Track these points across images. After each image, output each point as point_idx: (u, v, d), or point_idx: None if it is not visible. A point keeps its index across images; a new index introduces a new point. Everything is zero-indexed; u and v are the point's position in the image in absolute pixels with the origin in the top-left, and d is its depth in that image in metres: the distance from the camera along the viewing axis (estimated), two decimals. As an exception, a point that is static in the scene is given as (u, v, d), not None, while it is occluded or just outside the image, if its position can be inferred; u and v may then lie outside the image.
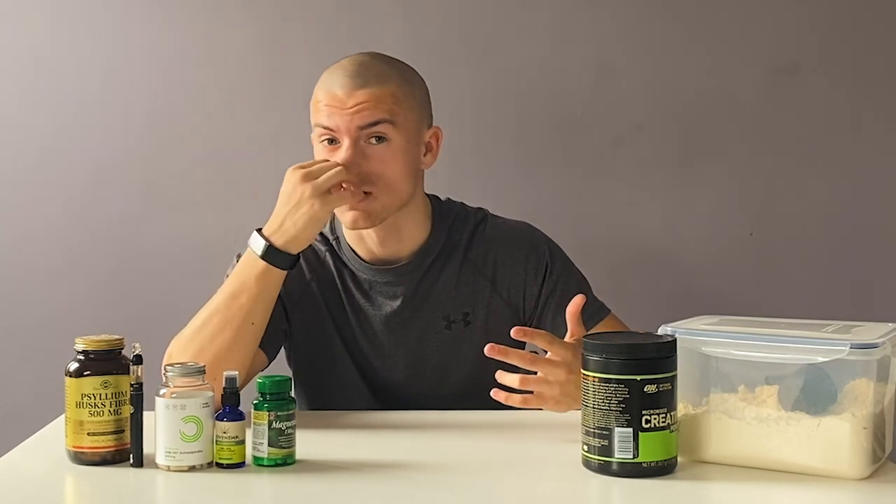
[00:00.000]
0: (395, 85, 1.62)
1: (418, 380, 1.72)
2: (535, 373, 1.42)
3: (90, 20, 2.22)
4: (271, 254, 1.54)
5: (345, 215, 1.63)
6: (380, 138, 1.61)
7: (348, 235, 1.72)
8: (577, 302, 1.50)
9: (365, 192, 1.61)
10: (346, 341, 1.72)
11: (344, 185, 1.57)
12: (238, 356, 1.52)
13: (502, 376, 1.40)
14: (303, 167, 1.56)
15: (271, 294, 1.57)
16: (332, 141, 1.62)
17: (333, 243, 1.73)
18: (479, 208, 1.80)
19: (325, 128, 1.61)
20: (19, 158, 2.23)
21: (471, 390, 1.65)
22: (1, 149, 2.23)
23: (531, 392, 1.41)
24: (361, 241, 1.71)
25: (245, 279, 1.55)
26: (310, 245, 1.71)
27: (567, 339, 1.48)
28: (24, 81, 2.23)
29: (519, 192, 2.15)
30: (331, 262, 1.73)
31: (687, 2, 2.23)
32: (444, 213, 1.75)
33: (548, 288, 1.72)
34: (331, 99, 1.60)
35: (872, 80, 2.24)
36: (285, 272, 1.57)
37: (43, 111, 2.23)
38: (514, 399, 1.41)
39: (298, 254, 1.57)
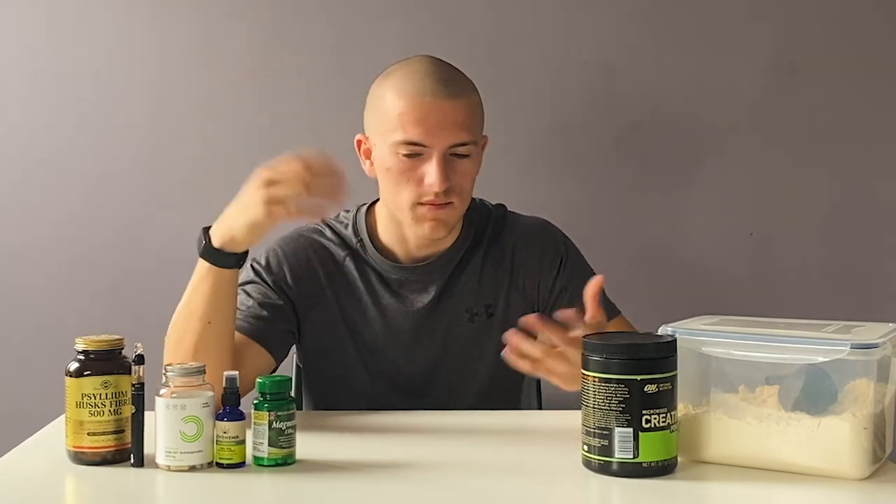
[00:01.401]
0: (475, 94, 1.66)
1: (441, 376, 1.73)
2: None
3: (89, 21, 2.22)
4: (209, 252, 1.50)
5: (423, 226, 1.63)
6: (464, 154, 1.62)
7: (385, 237, 1.72)
8: (594, 284, 1.48)
9: (447, 203, 1.62)
10: (360, 345, 1.72)
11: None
12: (209, 354, 1.47)
13: (521, 341, 1.41)
14: (271, 170, 1.48)
15: (224, 294, 1.52)
16: (412, 154, 1.61)
17: (358, 246, 1.73)
18: (499, 204, 1.83)
19: (413, 143, 1.59)
20: (19, 159, 2.23)
21: (492, 384, 1.66)
22: (1, 150, 2.23)
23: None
24: (403, 244, 1.71)
25: (198, 281, 1.52)
26: (328, 250, 1.72)
27: (587, 319, 1.46)
28: (23, 83, 2.22)
29: (519, 193, 2.15)
30: (352, 266, 1.72)
31: (687, 2, 2.23)
32: (472, 211, 1.76)
33: (562, 282, 1.74)
34: (424, 109, 1.59)
35: (872, 80, 2.24)
36: (234, 270, 1.52)
37: (42, 112, 2.23)
38: (525, 364, 1.42)
39: (243, 253, 1.51)
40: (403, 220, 1.66)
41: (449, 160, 1.61)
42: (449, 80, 1.62)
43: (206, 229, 1.52)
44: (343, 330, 1.72)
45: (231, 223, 1.49)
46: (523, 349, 1.41)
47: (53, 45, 2.22)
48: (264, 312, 1.66)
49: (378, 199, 1.73)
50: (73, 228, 2.23)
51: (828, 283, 2.25)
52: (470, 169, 1.64)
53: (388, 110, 1.61)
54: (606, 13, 2.23)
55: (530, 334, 1.43)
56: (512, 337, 1.42)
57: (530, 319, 1.42)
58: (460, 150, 1.61)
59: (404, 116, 1.59)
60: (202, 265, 1.51)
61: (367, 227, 1.74)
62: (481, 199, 1.82)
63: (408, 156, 1.60)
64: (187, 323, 1.51)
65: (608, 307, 1.74)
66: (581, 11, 2.23)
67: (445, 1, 2.23)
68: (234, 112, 2.24)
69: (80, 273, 2.23)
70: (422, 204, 1.62)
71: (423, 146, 1.60)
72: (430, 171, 1.59)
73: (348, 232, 1.74)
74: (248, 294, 1.67)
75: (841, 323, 1.35)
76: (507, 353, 1.42)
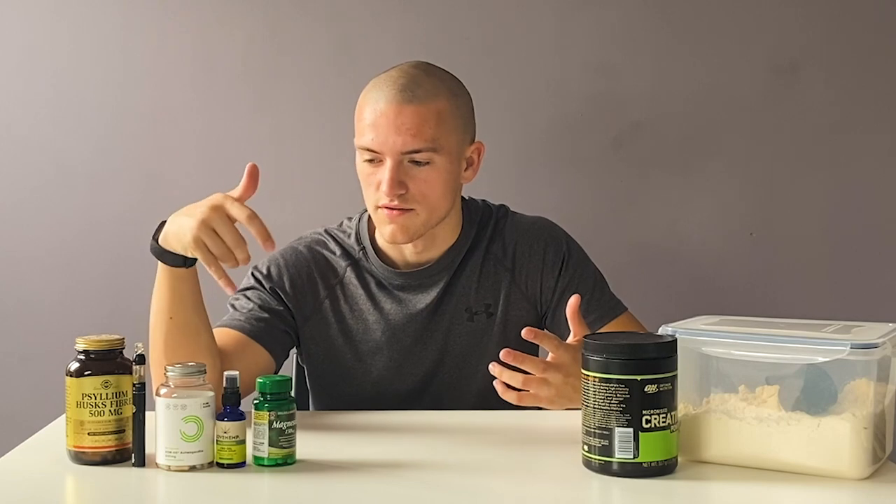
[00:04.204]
0: (443, 100, 1.63)
1: (442, 375, 1.74)
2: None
3: (90, 21, 2.22)
4: (154, 249, 1.48)
5: (384, 229, 1.65)
6: (422, 161, 1.62)
7: (382, 242, 1.73)
8: (573, 304, 1.50)
9: (407, 209, 1.62)
10: (363, 352, 1.73)
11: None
12: (178, 350, 1.47)
13: (501, 372, 1.41)
14: (229, 199, 1.42)
15: (180, 292, 1.49)
16: (373, 160, 1.62)
17: (360, 254, 1.74)
18: (501, 205, 1.83)
19: (367, 150, 1.61)
20: (20, 159, 2.23)
21: (493, 384, 1.66)
22: (1, 150, 2.23)
23: (528, 390, 1.43)
24: (398, 249, 1.72)
25: (158, 277, 1.51)
26: (329, 263, 1.73)
27: (570, 339, 1.49)
28: (24, 82, 2.23)
29: (519, 192, 2.15)
30: (353, 276, 1.73)
31: (687, 2, 2.23)
32: (472, 213, 1.77)
33: (563, 281, 1.74)
34: (376, 115, 1.60)
35: (872, 80, 2.24)
36: (185, 269, 1.48)
37: (43, 112, 2.23)
38: (511, 395, 1.42)
39: (183, 257, 1.46)
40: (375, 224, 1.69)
41: (406, 167, 1.61)
42: (409, 87, 1.61)
43: (163, 224, 1.49)
44: (341, 340, 1.73)
45: (170, 228, 1.46)
46: (504, 379, 1.41)
47: (54, 47, 2.22)
48: (265, 315, 1.67)
49: None
50: (73, 229, 2.23)
51: (828, 283, 2.25)
52: (431, 177, 1.63)
53: (358, 116, 1.65)
54: (606, 13, 2.23)
55: (511, 365, 1.43)
56: (493, 369, 1.41)
57: (503, 354, 1.40)
58: (416, 157, 1.61)
59: (362, 122, 1.62)
60: (159, 264, 1.50)
61: (368, 233, 1.75)
62: (483, 200, 1.82)
63: (368, 161, 1.62)
64: (155, 320, 1.52)
65: (612, 305, 1.75)
66: (581, 12, 2.23)
67: (445, 2, 2.23)
68: (234, 113, 2.24)
69: (80, 273, 2.23)
70: (381, 207, 1.63)
71: (375, 152, 1.61)
72: (383, 178, 1.61)
73: (351, 241, 1.75)
74: (248, 298, 1.69)
75: (841, 323, 1.35)
76: (496, 385, 1.42)
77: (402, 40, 2.20)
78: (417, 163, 1.61)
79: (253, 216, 1.40)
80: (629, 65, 2.24)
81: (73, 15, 2.22)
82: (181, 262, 1.48)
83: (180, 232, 1.42)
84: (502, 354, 1.40)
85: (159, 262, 1.50)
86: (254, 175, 1.46)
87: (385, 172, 1.60)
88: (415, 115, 1.60)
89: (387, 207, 1.63)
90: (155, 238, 1.49)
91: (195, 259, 1.47)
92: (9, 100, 2.23)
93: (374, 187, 1.63)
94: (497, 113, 2.19)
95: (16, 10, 2.21)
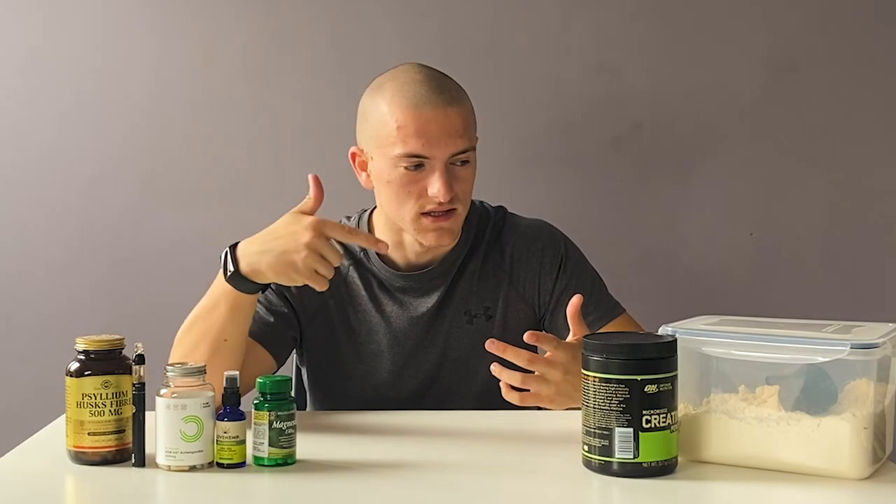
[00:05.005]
0: (466, 97, 1.66)
1: (442, 378, 1.74)
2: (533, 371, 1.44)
3: (89, 21, 2.22)
4: (235, 279, 1.50)
5: (427, 236, 1.64)
6: (464, 161, 1.63)
7: None
8: (575, 303, 1.51)
9: (451, 210, 1.63)
10: (365, 354, 1.73)
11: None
12: (223, 368, 1.46)
13: (500, 372, 1.41)
14: (323, 220, 1.47)
15: (243, 314, 1.53)
16: (417, 167, 1.61)
17: (361, 255, 1.74)
18: (499, 206, 1.83)
19: (416, 156, 1.59)
20: (19, 158, 2.23)
21: (492, 386, 1.66)
22: (1, 150, 2.23)
23: (528, 390, 1.43)
24: (401, 252, 1.72)
25: (218, 295, 1.52)
26: None
27: (570, 339, 1.49)
28: (24, 82, 2.22)
29: (518, 193, 2.15)
30: (356, 276, 1.73)
31: (687, 2, 2.23)
32: (470, 215, 1.77)
33: (561, 284, 1.74)
34: (423, 121, 1.58)
35: (872, 80, 2.24)
36: (254, 295, 1.53)
37: (42, 112, 2.23)
38: (513, 396, 1.42)
39: (267, 284, 1.51)
40: (407, 231, 1.67)
41: (450, 169, 1.62)
42: (443, 89, 1.62)
43: (233, 247, 1.51)
44: (344, 340, 1.73)
45: (263, 260, 1.47)
46: (504, 378, 1.41)
47: (53, 47, 2.22)
48: (271, 318, 1.68)
49: (376, 206, 1.74)
50: (72, 228, 2.23)
51: (828, 283, 2.25)
52: (470, 175, 1.66)
53: (386, 123, 1.61)
54: (606, 13, 2.23)
55: (510, 364, 1.43)
56: (493, 369, 1.41)
57: (488, 344, 1.41)
58: (461, 157, 1.62)
59: (403, 129, 1.59)
60: (226, 286, 1.51)
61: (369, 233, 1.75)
62: (481, 202, 1.82)
63: (409, 168, 1.60)
64: (203, 336, 1.52)
65: (610, 306, 1.75)
66: (581, 11, 2.23)
67: (445, 2, 2.23)
68: (233, 112, 2.24)
69: (79, 273, 2.23)
70: (425, 214, 1.63)
71: (425, 157, 1.60)
72: (434, 183, 1.60)
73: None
74: None
75: (841, 323, 1.35)
76: (501, 385, 1.42)
77: (403, 40, 2.20)
78: (459, 163, 1.62)
79: (352, 230, 1.53)
80: (629, 65, 2.24)
81: (73, 14, 2.21)
82: (260, 289, 1.51)
83: (287, 264, 1.45)
84: (487, 344, 1.41)
85: (227, 288, 1.50)
86: (320, 185, 1.52)
87: (436, 177, 1.59)
88: (458, 116, 1.61)
89: (434, 213, 1.62)
90: (234, 269, 1.48)
91: (264, 288, 1.52)
92: (8, 100, 2.23)
93: (417, 195, 1.61)
94: (497, 113, 2.19)
95: (15, 8, 2.21)
